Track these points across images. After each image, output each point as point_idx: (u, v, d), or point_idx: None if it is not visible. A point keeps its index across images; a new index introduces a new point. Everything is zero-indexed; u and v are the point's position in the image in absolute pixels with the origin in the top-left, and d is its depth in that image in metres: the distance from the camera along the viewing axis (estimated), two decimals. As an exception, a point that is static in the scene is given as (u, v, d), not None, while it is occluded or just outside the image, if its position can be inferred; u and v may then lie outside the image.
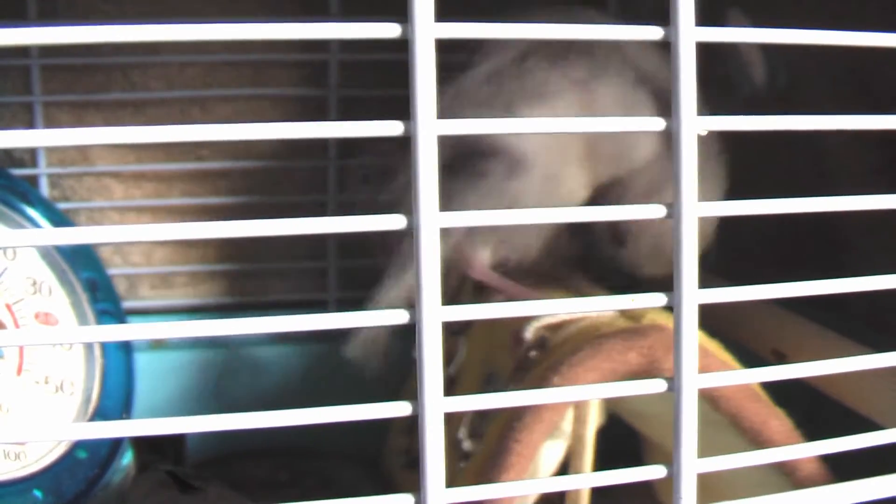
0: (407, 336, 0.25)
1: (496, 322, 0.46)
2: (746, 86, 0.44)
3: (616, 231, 0.47)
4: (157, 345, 0.57)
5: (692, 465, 0.26)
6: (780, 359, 0.46)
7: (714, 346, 0.40)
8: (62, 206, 0.58)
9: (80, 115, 0.59)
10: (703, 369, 0.26)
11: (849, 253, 0.50)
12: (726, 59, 0.44)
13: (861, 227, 0.48)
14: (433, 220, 0.23)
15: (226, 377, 0.58)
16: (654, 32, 0.25)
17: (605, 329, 0.40)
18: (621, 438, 0.43)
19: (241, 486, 0.50)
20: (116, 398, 0.50)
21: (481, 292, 0.51)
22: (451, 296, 0.53)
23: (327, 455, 0.53)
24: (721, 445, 0.37)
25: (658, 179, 0.45)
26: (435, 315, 0.24)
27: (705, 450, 0.26)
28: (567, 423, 0.40)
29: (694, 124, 0.25)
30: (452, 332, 0.50)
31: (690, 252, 0.25)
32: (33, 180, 0.58)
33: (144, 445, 0.40)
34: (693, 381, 0.25)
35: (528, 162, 0.44)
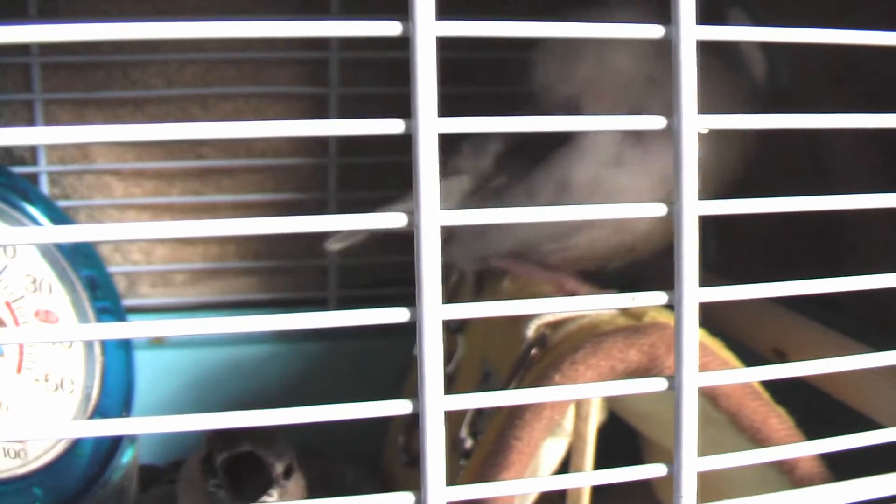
0: (407, 334, 0.25)
1: (494, 320, 0.46)
2: (747, 84, 0.44)
3: None
4: (157, 343, 0.57)
5: (693, 463, 0.26)
6: (781, 357, 0.46)
7: (715, 345, 0.40)
8: (62, 203, 0.58)
9: (81, 112, 0.59)
10: (704, 367, 0.26)
11: (849, 252, 0.50)
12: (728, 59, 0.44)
13: (861, 226, 0.48)
14: (434, 218, 0.23)
15: (226, 375, 0.59)
16: (655, 31, 0.25)
17: (605, 327, 0.40)
18: (621, 436, 0.43)
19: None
20: (116, 396, 0.50)
21: (481, 290, 0.51)
22: (450, 294, 0.53)
23: (328, 453, 0.53)
24: (720, 443, 0.37)
25: None
26: (436, 313, 0.24)
27: (705, 448, 0.26)
28: (568, 421, 0.40)
29: (694, 122, 0.25)
30: (451, 329, 0.50)
31: (691, 250, 0.25)
32: (33, 178, 0.58)
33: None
34: (694, 380, 0.25)
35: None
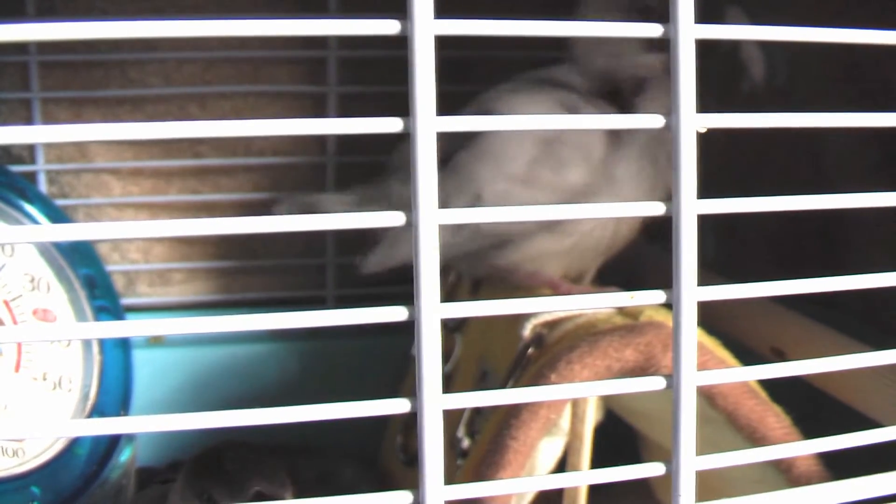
0: (405, 333, 0.25)
1: (491, 319, 0.46)
2: (745, 84, 0.44)
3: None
4: (155, 341, 0.57)
5: (691, 462, 0.26)
6: (779, 356, 0.46)
7: (712, 344, 0.40)
8: (60, 202, 0.58)
9: (78, 111, 0.59)
10: (701, 366, 0.26)
11: (847, 251, 0.50)
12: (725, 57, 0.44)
13: (859, 225, 0.48)
14: (432, 216, 0.23)
15: (224, 374, 0.58)
16: (653, 30, 0.25)
17: (602, 326, 0.40)
18: (620, 435, 0.43)
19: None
20: (114, 395, 0.50)
21: (478, 290, 0.51)
22: (448, 293, 0.53)
23: (326, 452, 0.53)
24: (718, 442, 0.37)
25: None
26: (434, 311, 0.23)
27: (702, 446, 0.26)
28: (565, 421, 0.40)
29: (693, 121, 0.25)
30: (449, 329, 0.50)
31: (690, 249, 0.25)
32: (31, 177, 0.58)
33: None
34: (692, 379, 0.25)
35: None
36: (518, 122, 0.26)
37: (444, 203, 0.44)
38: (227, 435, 0.43)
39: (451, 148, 0.45)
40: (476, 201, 0.45)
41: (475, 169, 0.45)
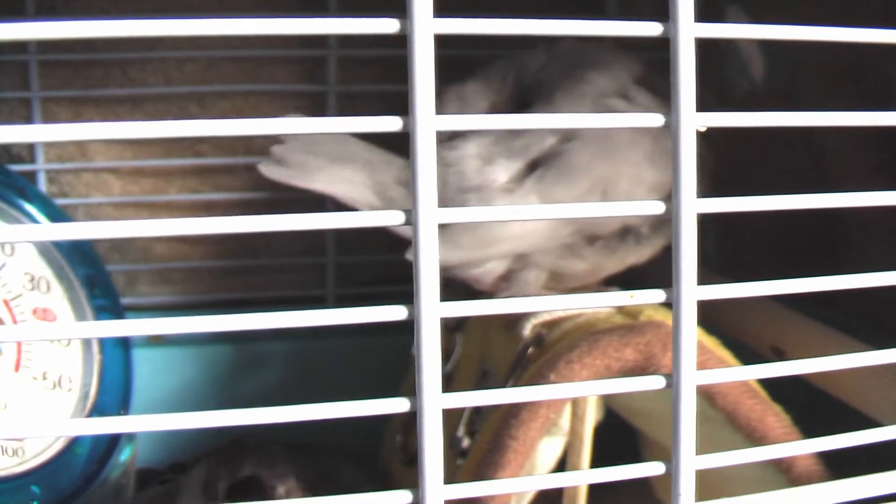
0: (405, 332, 0.25)
1: (491, 318, 0.46)
2: (745, 83, 0.44)
3: None
4: (155, 341, 0.57)
5: (691, 461, 0.26)
6: (779, 355, 0.46)
7: (712, 343, 0.40)
8: (60, 202, 0.58)
9: (78, 110, 0.59)
10: (701, 366, 0.26)
11: (847, 250, 0.50)
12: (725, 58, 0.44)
13: (860, 224, 0.48)
14: (432, 215, 0.23)
15: (224, 373, 0.58)
16: (653, 28, 0.25)
17: (601, 325, 0.40)
18: (620, 434, 0.43)
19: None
20: (114, 394, 0.50)
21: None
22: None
23: (326, 451, 0.53)
24: (717, 441, 0.37)
25: None
26: (434, 310, 0.23)
27: (702, 446, 0.26)
28: (564, 420, 0.40)
29: (693, 120, 0.25)
30: (449, 328, 0.50)
31: (690, 248, 0.25)
32: (31, 176, 0.58)
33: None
34: (692, 378, 0.25)
35: None
36: (519, 120, 0.26)
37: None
38: (227, 435, 0.43)
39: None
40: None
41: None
